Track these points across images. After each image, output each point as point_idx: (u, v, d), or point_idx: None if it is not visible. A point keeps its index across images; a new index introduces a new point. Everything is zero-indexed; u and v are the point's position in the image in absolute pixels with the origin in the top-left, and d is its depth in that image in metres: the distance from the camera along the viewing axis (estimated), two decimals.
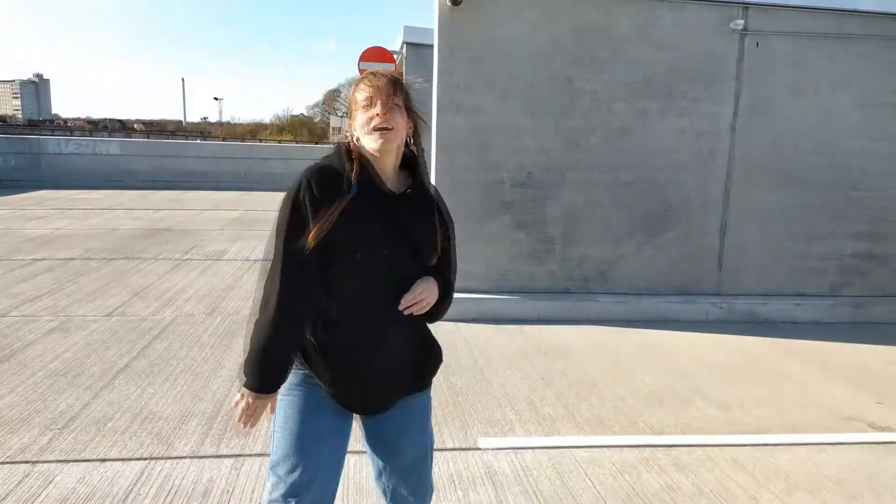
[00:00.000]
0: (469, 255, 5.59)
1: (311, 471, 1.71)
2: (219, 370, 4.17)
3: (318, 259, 1.66)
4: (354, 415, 1.83)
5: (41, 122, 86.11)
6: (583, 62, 5.43)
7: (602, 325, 5.45)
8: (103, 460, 3.00)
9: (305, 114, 71.75)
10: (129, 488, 2.78)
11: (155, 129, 72.59)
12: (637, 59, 5.46)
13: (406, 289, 1.72)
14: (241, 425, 1.72)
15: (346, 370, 1.73)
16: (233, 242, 8.94)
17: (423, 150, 1.84)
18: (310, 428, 1.75)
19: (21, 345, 4.53)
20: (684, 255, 5.77)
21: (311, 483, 1.70)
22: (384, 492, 1.90)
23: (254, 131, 68.90)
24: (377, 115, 1.67)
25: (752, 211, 5.75)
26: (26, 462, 2.96)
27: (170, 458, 3.04)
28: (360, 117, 1.70)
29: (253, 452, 3.12)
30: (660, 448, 3.30)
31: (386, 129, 1.67)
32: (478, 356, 4.58)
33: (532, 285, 5.69)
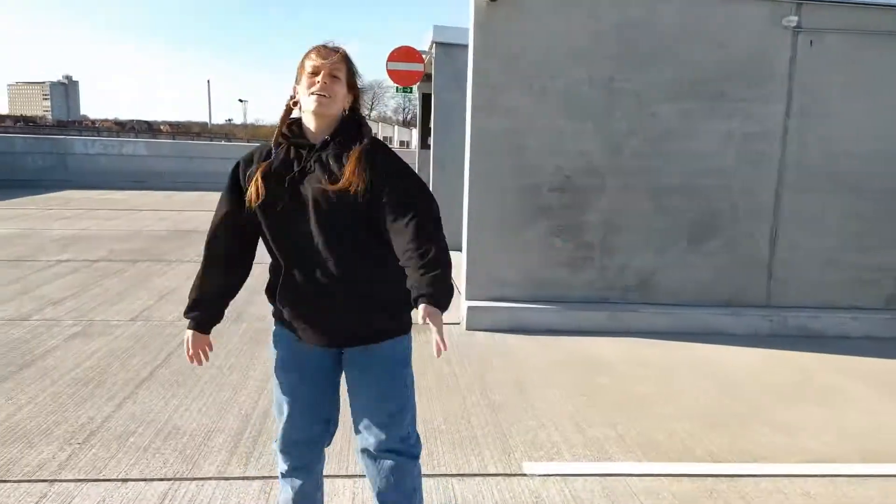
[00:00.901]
0: (503, 262, 5.36)
1: (291, 413, 2.07)
2: (245, 381, 3.98)
3: (247, 216, 1.96)
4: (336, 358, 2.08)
5: (70, 123, 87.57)
6: (625, 61, 5.17)
7: (644, 337, 5.18)
8: (125, 480, 2.81)
9: None
10: None
11: (181, 130, 73.38)
12: (683, 57, 5.19)
13: (326, 242, 1.90)
14: (189, 360, 2.08)
15: (291, 307, 2.00)
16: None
17: (365, 121, 2.07)
18: (289, 375, 2.08)
19: (42, 350, 4.39)
20: (731, 265, 5.47)
21: (293, 423, 2.07)
22: (355, 432, 2.08)
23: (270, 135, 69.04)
24: (318, 82, 1.90)
25: (804, 219, 5.43)
26: (43, 481, 2.78)
27: (195, 479, 2.84)
28: (305, 82, 1.92)
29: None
30: (722, 478, 3.03)
31: (324, 95, 1.90)
32: (515, 370, 4.34)
33: (569, 294, 5.44)
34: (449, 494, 2.80)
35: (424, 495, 2.44)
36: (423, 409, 3.43)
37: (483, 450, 3.22)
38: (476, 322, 5.23)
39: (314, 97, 1.89)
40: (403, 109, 60.14)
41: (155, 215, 11.58)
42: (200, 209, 12.59)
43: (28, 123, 71.99)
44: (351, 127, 1.98)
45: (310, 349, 2.04)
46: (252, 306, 5.67)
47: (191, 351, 2.08)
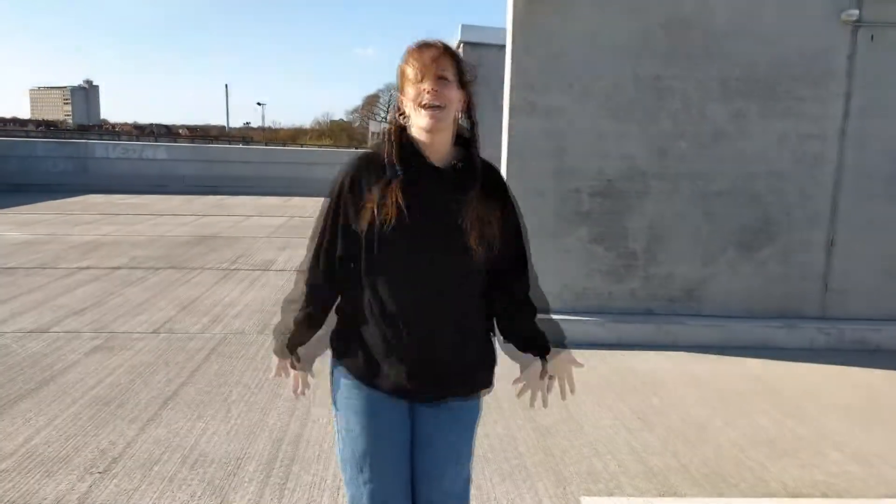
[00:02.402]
0: (541, 270, 5.04)
1: (375, 469, 1.72)
2: (275, 399, 3.74)
3: (350, 248, 1.67)
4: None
5: (90, 127, 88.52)
6: (673, 59, 4.88)
7: (691, 351, 4.87)
8: None
9: (345, 119, 72.20)
10: None
11: (199, 134, 73.93)
12: (734, 54, 4.88)
13: (446, 276, 1.67)
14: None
15: (380, 351, 1.70)
16: (281, 251, 8.61)
17: (477, 123, 1.74)
18: (374, 437, 1.73)
19: (62, 366, 4.18)
20: (784, 274, 5.14)
21: (379, 480, 1.72)
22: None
23: (294, 136, 69.47)
24: (426, 91, 1.59)
25: (864, 225, 5.10)
26: None
27: None
28: (410, 91, 1.61)
29: None
30: None
31: (437, 106, 1.58)
32: (559, 389, 4.05)
33: (610, 305, 5.15)
34: None
35: None
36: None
37: (535, 482, 2.95)
38: None
39: (426, 112, 1.59)
40: None
41: (175, 220, 11.44)
42: (220, 213, 12.45)
43: (49, 128, 72.92)
44: (468, 141, 1.71)
45: (385, 400, 1.76)
46: (277, 317, 5.44)
47: (289, 383, 1.90)
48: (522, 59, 4.87)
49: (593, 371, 4.41)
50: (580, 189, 5.04)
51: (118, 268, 7.23)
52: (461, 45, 7.95)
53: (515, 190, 5.40)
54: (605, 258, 5.12)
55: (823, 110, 4.98)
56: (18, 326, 4.98)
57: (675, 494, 2.88)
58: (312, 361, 1.89)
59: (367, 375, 1.73)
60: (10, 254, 7.85)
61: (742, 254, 5.13)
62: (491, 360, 1.83)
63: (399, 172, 1.63)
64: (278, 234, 10.08)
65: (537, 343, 1.82)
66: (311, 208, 13.46)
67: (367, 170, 1.66)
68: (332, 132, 68.37)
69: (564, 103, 4.93)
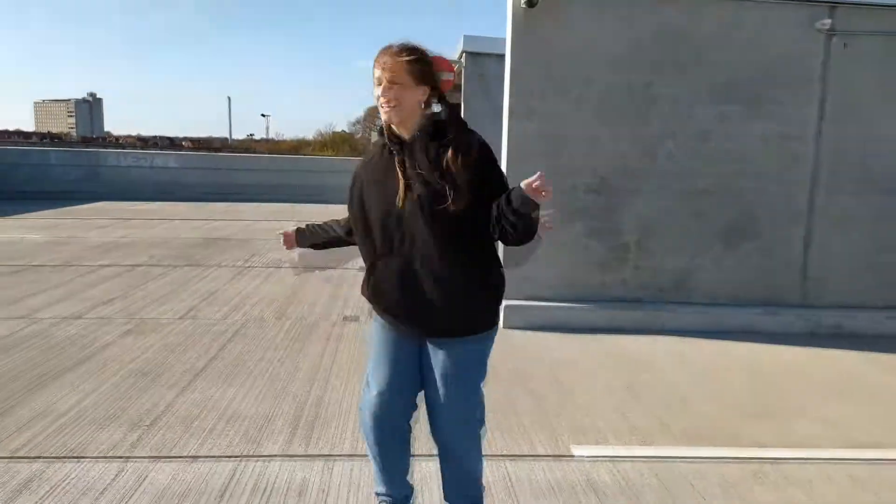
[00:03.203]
0: (539, 262, 5.46)
1: (384, 386, 2.22)
2: (296, 373, 4.11)
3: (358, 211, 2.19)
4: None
5: (94, 140, 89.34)
6: (663, 66, 5.28)
7: (679, 336, 5.24)
8: (195, 458, 2.95)
9: (347, 130, 72.72)
10: (225, 484, 2.72)
11: (202, 146, 74.54)
12: (719, 61, 5.29)
13: (416, 238, 2.04)
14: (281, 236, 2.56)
15: (376, 295, 2.20)
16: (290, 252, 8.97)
17: (453, 105, 2.16)
18: (383, 354, 2.24)
19: (99, 346, 4.56)
20: (766, 266, 5.52)
21: (383, 395, 2.22)
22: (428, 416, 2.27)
23: (297, 148, 69.97)
24: (381, 94, 2.02)
25: (839, 220, 5.48)
26: (119, 458, 2.93)
27: (260, 457, 2.98)
28: (375, 92, 2.05)
29: (343, 453, 3.03)
30: (767, 462, 3.09)
31: (389, 105, 2.02)
32: (553, 368, 4.42)
33: (603, 294, 5.52)
34: (502, 473, 2.90)
35: (488, 476, 2.58)
36: None
37: (531, 435, 3.31)
38: (512, 321, 5.32)
39: (383, 109, 2.05)
40: None
41: (187, 224, 11.83)
42: (230, 218, 12.85)
43: (54, 140, 73.62)
44: (433, 124, 2.10)
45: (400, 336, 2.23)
46: (291, 307, 5.84)
47: (283, 237, 2.53)
48: (521, 67, 5.28)
49: (587, 351, 4.79)
50: (576, 187, 5.43)
51: (138, 265, 7.61)
52: (463, 55, 8.37)
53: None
54: (599, 251, 5.50)
55: (801, 113, 5.38)
56: (54, 314, 5.36)
57: (654, 444, 3.25)
58: (307, 260, 2.46)
59: (377, 303, 2.22)
60: (33, 253, 8.24)
61: (727, 247, 5.51)
62: (473, 308, 2.14)
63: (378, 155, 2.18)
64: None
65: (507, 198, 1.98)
66: (318, 214, 13.87)
67: (364, 156, 2.28)
68: (335, 143, 68.83)
69: (561, 108, 5.33)
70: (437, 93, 2.13)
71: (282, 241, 2.54)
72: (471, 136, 2.09)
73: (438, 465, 2.36)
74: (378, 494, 2.41)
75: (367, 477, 2.79)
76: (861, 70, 5.34)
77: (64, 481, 2.72)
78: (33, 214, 12.51)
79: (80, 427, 3.24)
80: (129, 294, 6.13)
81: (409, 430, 2.35)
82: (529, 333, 5.19)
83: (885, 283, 5.56)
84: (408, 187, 2.03)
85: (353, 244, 2.34)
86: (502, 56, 5.73)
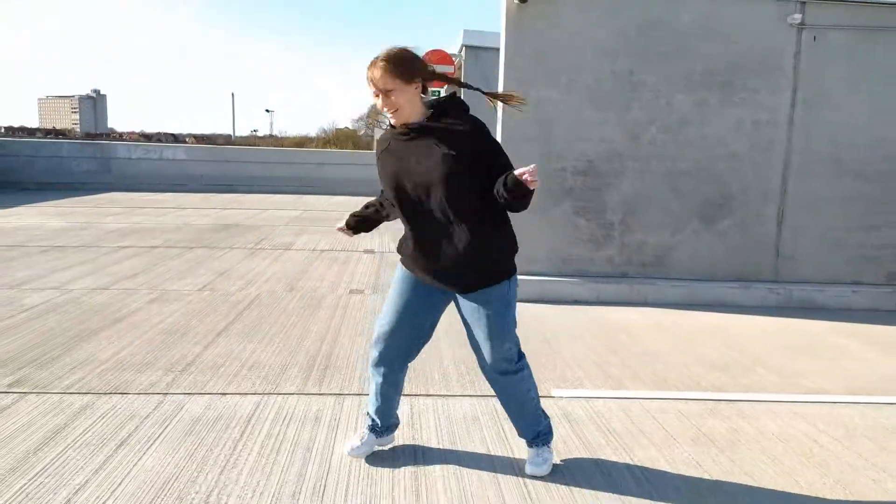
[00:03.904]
0: (531, 239, 5.89)
1: (392, 328, 2.60)
2: (307, 334, 4.56)
3: (386, 189, 2.55)
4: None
5: (98, 136, 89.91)
6: (645, 56, 5.71)
7: (660, 307, 5.67)
8: (223, 394, 3.40)
9: (350, 127, 73.07)
10: (251, 413, 3.17)
11: (205, 142, 75.07)
12: (697, 52, 5.71)
13: (432, 210, 2.40)
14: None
15: (410, 258, 2.56)
16: (298, 236, 9.43)
17: (448, 79, 2.55)
18: (398, 300, 2.60)
19: (128, 311, 5.01)
20: (741, 243, 5.95)
21: (390, 335, 2.61)
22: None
23: (300, 144, 70.27)
24: (381, 107, 2.37)
25: (810, 201, 5.90)
26: (158, 393, 3.38)
27: (280, 393, 3.42)
28: (377, 101, 2.38)
29: (351, 392, 3.48)
30: (723, 401, 3.53)
31: (393, 112, 2.38)
32: (543, 331, 4.86)
33: (591, 269, 5.96)
34: (491, 408, 3.34)
35: (472, 409, 3.19)
36: (468, 355, 3.99)
37: None
38: None
39: (389, 117, 2.42)
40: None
41: (198, 212, 12.28)
42: (239, 207, 13.30)
43: (58, 136, 74.19)
44: (434, 109, 2.43)
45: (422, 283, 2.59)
46: (301, 281, 6.28)
47: (341, 231, 2.80)
48: (514, 56, 5.71)
49: (574, 320, 5.22)
50: (565, 168, 5.86)
51: (155, 247, 8.07)
52: (463, 49, 8.79)
53: None
54: (587, 228, 5.94)
55: (774, 101, 5.80)
56: (82, 286, 5.81)
57: (624, 389, 3.69)
58: (361, 230, 2.80)
59: (410, 266, 2.57)
60: (55, 236, 8.70)
61: (705, 225, 5.94)
62: (486, 264, 2.46)
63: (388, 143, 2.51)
64: (294, 224, 10.91)
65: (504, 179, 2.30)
66: (323, 205, 14.33)
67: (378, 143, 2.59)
68: (338, 140, 69.16)
69: (551, 95, 5.76)
70: (431, 76, 2.43)
71: (341, 235, 2.90)
72: (464, 116, 2.41)
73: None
74: (367, 414, 2.81)
75: None
76: (830, 61, 5.76)
77: (112, 410, 3.17)
78: (49, 203, 12.98)
79: (121, 371, 3.69)
80: (149, 270, 6.58)
81: (404, 369, 2.71)
82: (525, 306, 5.61)
83: (852, 259, 5.98)
84: (420, 164, 2.36)
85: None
86: (499, 49, 6.16)
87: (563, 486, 2.61)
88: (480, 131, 2.40)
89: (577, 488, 2.60)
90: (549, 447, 2.75)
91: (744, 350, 4.54)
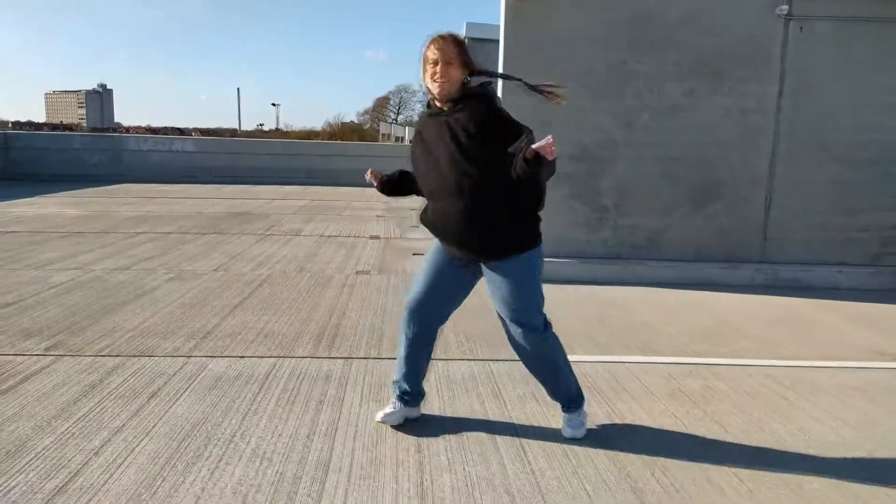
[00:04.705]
0: None
1: (423, 290, 2.79)
2: (317, 308, 4.87)
3: (415, 163, 2.75)
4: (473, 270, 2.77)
5: (105, 130, 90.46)
6: (637, 46, 5.97)
7: (652, 287, 5.95)
8: (242, 357, 3.71)
9: (356, 121, 73.34)
10: (268, 372, 3.48)
11: (212, 137, 75.42)
12: (687, 42, 5.97)
13: (451, 185, 2.57)
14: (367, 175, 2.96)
15: (433, 229, 2.74)
16: (306, 223, 9.74)
17: (493, 74, 2.76)
18: (430, 266, 2.80)
19: (148, 288, 5.33)
20: (730, 226, 6.22)
21: (421, 297, 2.79)
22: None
23: (306, 138, 70.71)
24: (436, 71, 2.54)
25: (796, 185, 6.16)
26: (182, 356, 3.70)
27: (293, 357, 3.74)
28: (429, 70, 2.56)
29: (359, 356, 3.79)
30: (703, 365, 3.82)
31: (442, 80, 2.55)
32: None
33: (587, 250, 6.24)
34: (488, 370, 3.64)
35: (469, 370, 3.50)
36: (468, 326, 4.30)
37: (510, 351, 4.04)
38: None
39: (436, 84, 2.54)
40: None
41: (208, 202, 12.61)
42: (248, 197, 13.62)
43: (64, 131, 74.74)
44: (464, 95, 2.59)
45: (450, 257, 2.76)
46: (310, 263, 6.59)
47: (369, 175, 2.93)
48: (513, 47, 5.98)
49: (569, 296, 5.51)
50: (562, 154, 6.10)
51: (170, 233, 8.40)
52: (466, 41, 9.07)
53: None
54: (583, 212, 6.22)
55: (761, 89, 6.06)
56: (104, 266, 6.14)
57: (612, 354, 3.98)
58: (387, 190, 2.93)
59: (434, 234, 2.76)
60: (73, 223, 9.04)
61: (695, 209, 6.21)
62: (513, 234, 2.61)
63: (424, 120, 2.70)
64: (303, 212, 11.22)
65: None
66: (330, 195, 14.63)
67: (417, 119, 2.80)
68: (344, 133, 69.45)
69: None
70: (479, 69, 2.66)
71: (369, 177, 2.91)
72: (479, 102, 2.57)
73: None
74: (394, 382, 2.96)
75: (378, 370, 3.55)
76: (816, 51, 6.01)
77: (142, 369, 3.49)
78: (65, 193, 13.34)
79: (147, 338, 4.01)
80: (166, 253, 6.90)
81: (433, 337, 2.86)
82: None
83: (837, 241, 6.24)
84: (438, 143, 2.56)
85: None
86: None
87: (546, 428, 2.91)
88: (495, 116, 2.57)
89: (559, 427, 2.89)
90: (581, 410, 2.87)
91: (727, 322, 4.82)
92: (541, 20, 5.94)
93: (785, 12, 5.92)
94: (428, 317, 2.82)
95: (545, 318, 2.77)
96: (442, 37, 2.59)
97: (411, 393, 2.92)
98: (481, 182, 2.54)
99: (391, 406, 2.94)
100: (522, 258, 2.64)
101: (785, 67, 6.03)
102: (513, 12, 5.94)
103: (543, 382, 2.89)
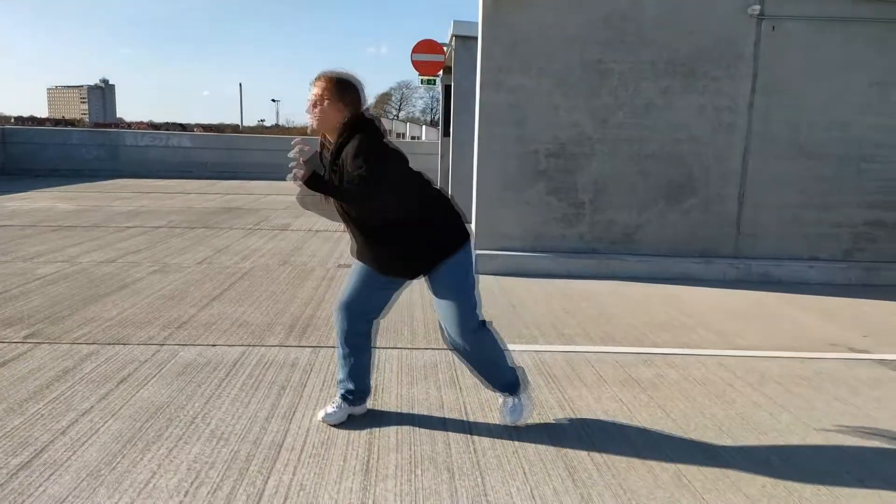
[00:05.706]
0: (507, 217, 6.31)
1: (350, 290, 2.87)
2: (294, 299, 5.01)
3: None
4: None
5: (107, 126, 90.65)
6: (611, 45, 6.09)
7: (626, 281, 6.08)
8: (213, 345, 3.85)
9: None
10: (237, 360, 3.62)
11: (213, 132, 75.63)
12: (661, 41, 6.09)
13: (357, 221, 2.71)
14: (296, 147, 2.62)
15: (363, 261, 2.85)
16: (295, 219, 9.87)
17: (368, 118, 2.69)
18: (357, 266, 2.88)
19: (131, 280, 5.48)
20: (704, 221, 6.35)
21: (347, 296, 2.87)
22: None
23: (307, 133, 70.73)
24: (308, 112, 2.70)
25: (769, 181, 6.29)
26: (155, 344, 3.84)
27: (263, 345, 3.88)
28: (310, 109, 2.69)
29: (327, 345, 3.93)
30: (657, 354, 3.96)
31: (315, 120, 2.70)
32: (511, 299, 5.29)
33: (563, 246, 6.37)
34: (450, 359, 3.77)
35: (432, 358, 3.62)
36: (435, 316, 4.42)
37: None
38: (483, 268, 6.18)
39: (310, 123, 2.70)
40: (431, 110, 61.38)
41: (202, 197, 12.75)
42: (241, 192, 13.76)
43: (67, 126, 74.97)
44: (345, 131, 2.64)
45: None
46: (294, 256, 6.73)
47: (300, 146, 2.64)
48: (490, 46, 6.11)
49: (542, 289, 5.65)
50: (538, 151, 6.27)
51: (160, 227, 8.54)
52: (453, 38, 9.17)
53: (485, 152, 6.92)
54: (559, 208, 6.35)
55: (734, 87, 6.17)
56: (91, 259, 6.28)
57: (572, 344, 4.12)
58: (305, 200, 2.91)
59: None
60: (65, 217, 9.19)
61: (670, 204, 6.33)
62: (423, 250, 2.69)
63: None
64: (294, 208, 11.35)
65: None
66: None
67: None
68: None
69: (525, 82, 6.15)
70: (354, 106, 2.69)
71: (297, 150, 2.59)
72: (351, 138, 2.61)
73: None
74: (339, 382, 2.95)
75: None
76: (788, 50, 6.12)
77: (115, 356, 3.63)
78: (60, 188, 13.49)
79: (124, 327, 4.15)
80: (153, 247, 7.05)
81: (367, 334, 2.90)
82: (500, 279, 6.04)
83: (809, 237, 6.37)
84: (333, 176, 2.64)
85: None
86: None
87: (497, 413, 3.05)
88: (354, 146, 2.57)
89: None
90: (517, 396, 2.91)
91: (692, 315, 4.95)
92: (517, 19, 6.05)
93: (757, 12, 6.03)
94: (356, 315, 2.86)
95: (479, 319, 2.82)
96: (318, 77, 2.71)
97: (355, 392, 2.94)
98: (364, 214, 2.67)
99: (333, 406, 2.94)
100: (450, 262, 2.70)
101: (757, 66, 6.15)
102: (490, 11, 6.06)
103: (481, 376, 2.95)
